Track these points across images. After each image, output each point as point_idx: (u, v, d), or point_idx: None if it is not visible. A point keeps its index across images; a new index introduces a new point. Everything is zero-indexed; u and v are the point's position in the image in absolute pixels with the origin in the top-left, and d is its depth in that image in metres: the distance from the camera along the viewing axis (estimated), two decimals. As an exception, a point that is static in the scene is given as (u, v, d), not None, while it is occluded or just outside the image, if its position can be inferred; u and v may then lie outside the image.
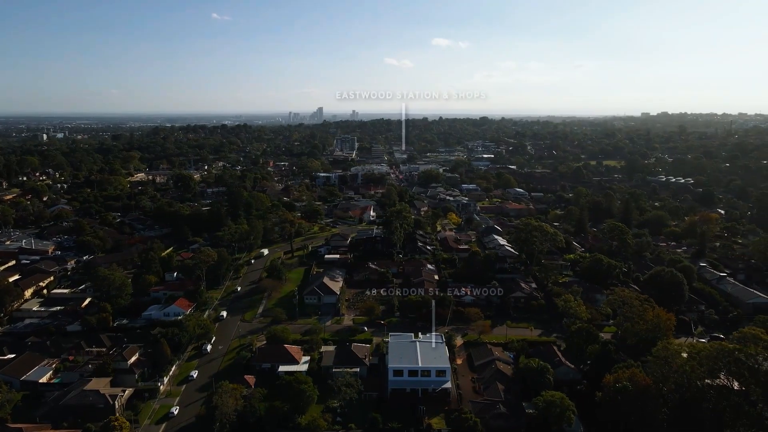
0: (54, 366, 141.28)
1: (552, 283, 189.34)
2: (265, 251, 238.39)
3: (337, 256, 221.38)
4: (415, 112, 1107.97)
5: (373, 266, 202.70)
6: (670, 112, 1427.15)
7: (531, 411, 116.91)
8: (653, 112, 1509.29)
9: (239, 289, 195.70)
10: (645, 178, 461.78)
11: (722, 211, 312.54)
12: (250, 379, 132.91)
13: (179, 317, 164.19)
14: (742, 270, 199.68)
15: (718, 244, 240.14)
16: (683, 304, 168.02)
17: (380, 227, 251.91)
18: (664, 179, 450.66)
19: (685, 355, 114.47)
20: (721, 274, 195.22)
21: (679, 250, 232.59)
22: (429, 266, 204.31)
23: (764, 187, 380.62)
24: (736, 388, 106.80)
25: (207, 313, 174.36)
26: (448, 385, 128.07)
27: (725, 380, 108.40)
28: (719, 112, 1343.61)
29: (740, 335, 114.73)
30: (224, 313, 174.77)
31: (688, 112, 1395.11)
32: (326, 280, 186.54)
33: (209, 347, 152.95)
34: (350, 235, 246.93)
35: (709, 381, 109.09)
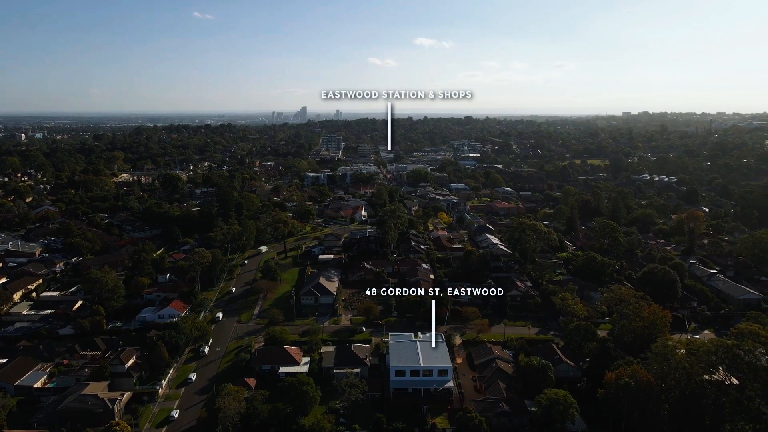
0: (48, 370, 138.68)
1: (547, 282, 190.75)
2: (264, 248, 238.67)
3: (332, 256, 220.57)
4: (399, 112, 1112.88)
5: (369, 266, 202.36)
6: (650, 112, 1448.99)
7: (533, 409, 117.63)
8: (634, 112, 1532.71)
9: (234, 290, 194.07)
10: (629, 176, 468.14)
11: (706, 209, 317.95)
12: (251, 381, 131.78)
13: (174, 319, 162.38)
14: (731, 267, 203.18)
15: (706, 241, 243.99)
16: (676, 300, 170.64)
17: (373, 227, 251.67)
18: (648, 177, 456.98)
19: (681, 351, 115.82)
20: (712, 271, 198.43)
21: (668, 248, 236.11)
22: (424, 265, 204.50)
23: (745, 185, 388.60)
24: (735, 383, 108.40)
25: (202, 314, 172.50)
26: (451, 384, 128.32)
27: (724, 376, 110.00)
28: (698, 112, 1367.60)
29: (737, 331, 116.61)
30: (220, 315, 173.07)
31: (668, 112, 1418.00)
32: (322, 280, 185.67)
33: (207, 349, 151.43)
34: (343, 235, 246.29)
35: (707, 377, 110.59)
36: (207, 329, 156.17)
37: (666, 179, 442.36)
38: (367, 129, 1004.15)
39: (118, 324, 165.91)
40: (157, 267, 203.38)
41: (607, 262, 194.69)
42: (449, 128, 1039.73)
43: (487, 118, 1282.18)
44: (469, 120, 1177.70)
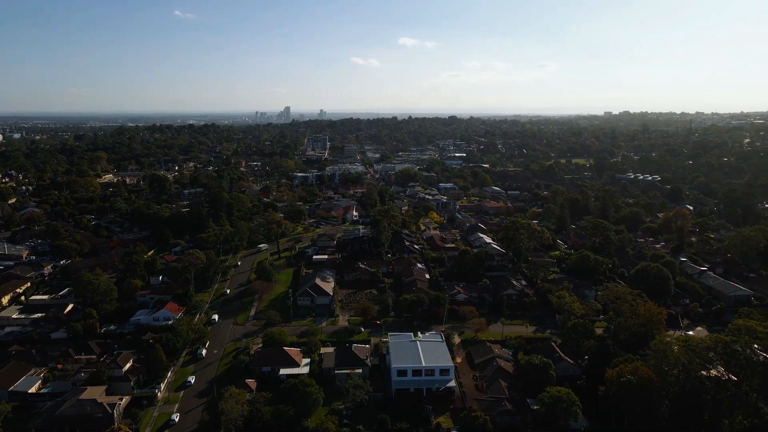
0: (42, 375, 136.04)
1: (542, 280, 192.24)
2: (264, 246, 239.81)
3: (326, 256, 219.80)
4: (384, 112, 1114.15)
5: (363, 266, 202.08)
6: (631, 111, 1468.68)
7: (536, 407, 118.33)
8: (615, 111, 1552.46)
9: (228, 291, 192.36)
10: (614, 175, 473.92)
11: (690, 207, 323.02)
12: (251, 383, 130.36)
13: (170, 322, 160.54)
14: (720, 264, 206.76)
15: (694, 239, 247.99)
16: (669, 298, 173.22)
17: (366, 227, 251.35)
18: (632, 176, 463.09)
19: (676, 348, 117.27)
20: (702, 268, 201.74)
21: (657, 246, 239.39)
22: (419, 265, 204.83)
23: (727, 183, 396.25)
24: (733, 379, 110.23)
25: (198, 316, 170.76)
26: (453, 383, 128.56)
27: (723, 372, 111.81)
28: (678, 111, 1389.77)
29: (734, 327, 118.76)
30: (216, 317, 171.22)
31: (649, 112, 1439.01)
32: (318, 281, 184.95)
33: (204, 352, 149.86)
34: (336, 236, 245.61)
35: (704, 372, 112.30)
36: (204, 331, 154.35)
37: (650, 178, 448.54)
38: (352, 129, 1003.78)
39: (112, 327, 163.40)
40: (149, 269, 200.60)
41: (600, 261, 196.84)
42: (434, 128, 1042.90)
43: (471, 117, 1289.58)
44: (453, 120, 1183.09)
